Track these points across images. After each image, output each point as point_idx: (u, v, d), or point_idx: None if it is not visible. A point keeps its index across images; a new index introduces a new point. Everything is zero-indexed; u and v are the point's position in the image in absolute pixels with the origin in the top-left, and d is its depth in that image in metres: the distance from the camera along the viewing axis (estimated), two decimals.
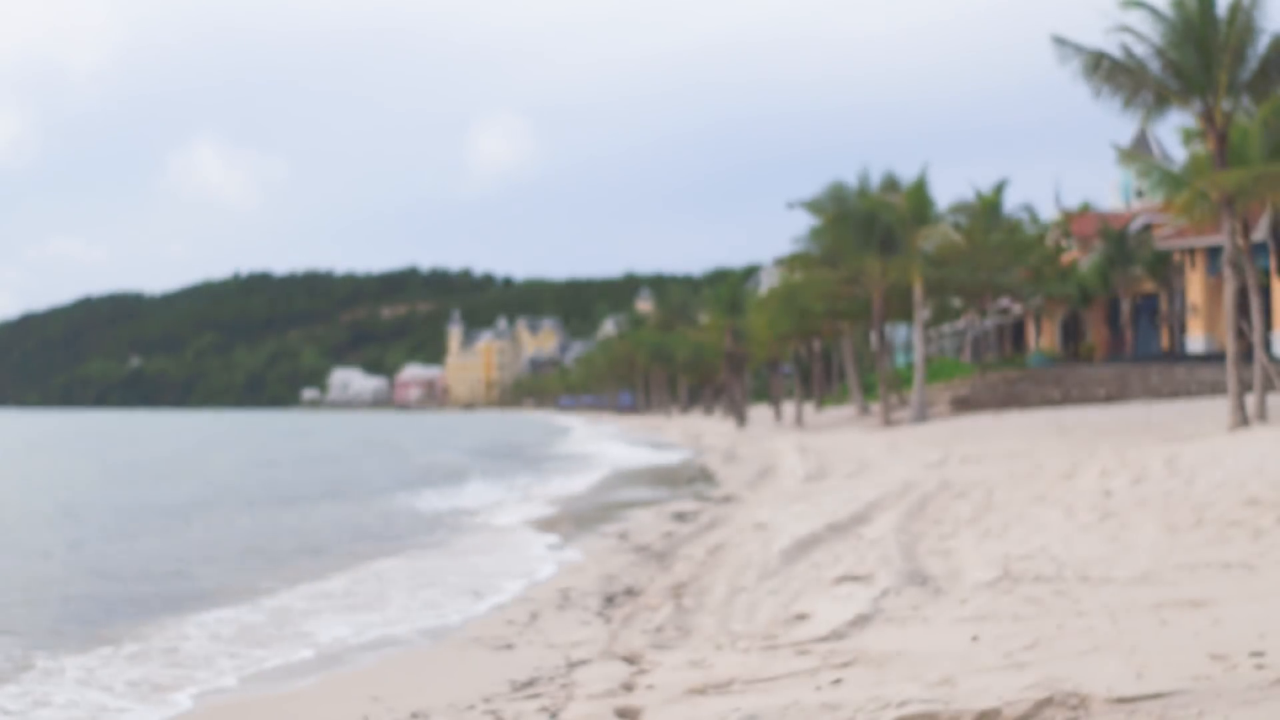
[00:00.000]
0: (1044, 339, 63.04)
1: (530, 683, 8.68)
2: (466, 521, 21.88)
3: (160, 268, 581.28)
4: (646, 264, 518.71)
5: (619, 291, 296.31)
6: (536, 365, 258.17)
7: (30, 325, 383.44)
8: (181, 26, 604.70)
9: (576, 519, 22.03)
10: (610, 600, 12.18)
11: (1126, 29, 24.52)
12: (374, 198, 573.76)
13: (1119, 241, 53.05)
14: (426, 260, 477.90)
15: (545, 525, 21.01)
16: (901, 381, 55.30)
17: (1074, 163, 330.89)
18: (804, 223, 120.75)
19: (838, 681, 7.09)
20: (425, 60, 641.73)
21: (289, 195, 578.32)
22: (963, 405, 44.52)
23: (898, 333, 75.52)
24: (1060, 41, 24.86)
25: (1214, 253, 45.21)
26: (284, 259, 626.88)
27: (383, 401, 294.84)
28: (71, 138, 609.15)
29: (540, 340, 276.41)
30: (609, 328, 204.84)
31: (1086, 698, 5.97)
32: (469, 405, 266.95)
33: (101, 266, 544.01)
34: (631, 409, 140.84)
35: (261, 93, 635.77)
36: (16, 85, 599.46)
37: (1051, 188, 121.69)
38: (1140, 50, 24.67)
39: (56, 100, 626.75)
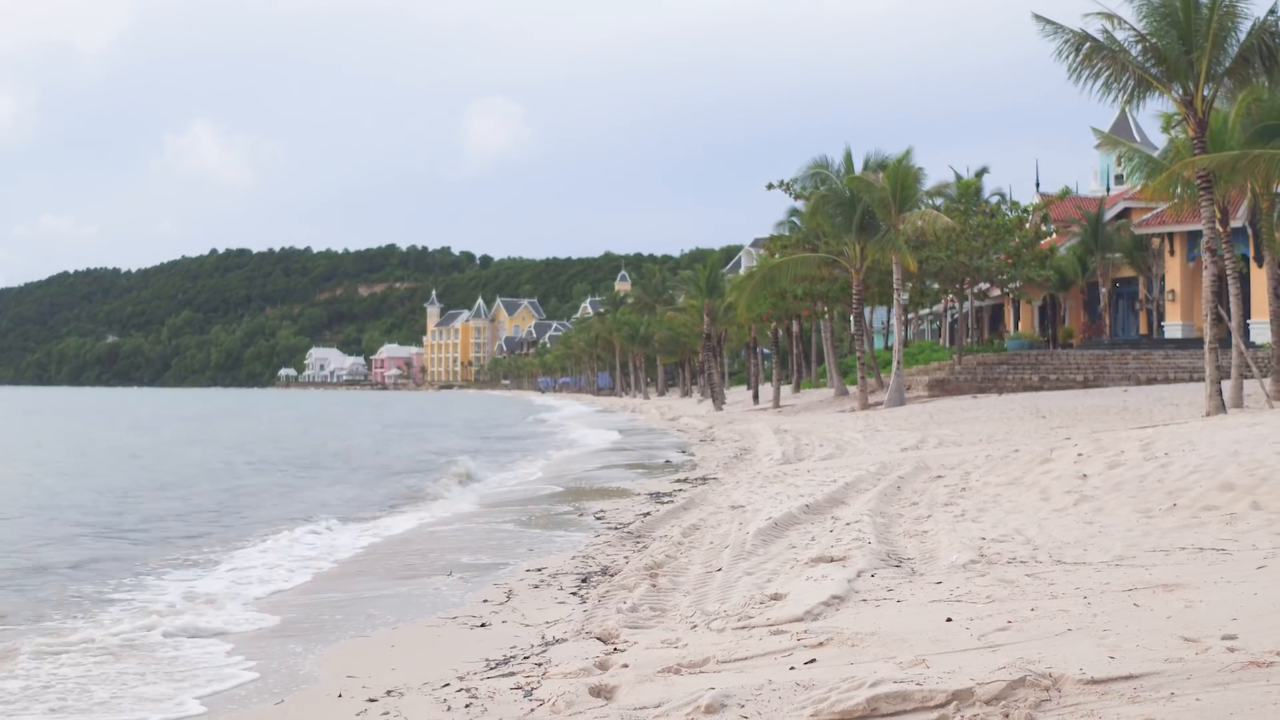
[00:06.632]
0: (1022, 323, 63.24)
1: (505, 660, 8.68)
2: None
3: (150, 246, 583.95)
4: (626, 244, 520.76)
5: (598, 272, 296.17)
6: (513, 345, 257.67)
7: (4, 301, 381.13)
8: (187, 9, 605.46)
9: (552, 500, 22.03)
10: (585, 580, 12.18)
11: (1109, 14, 24.53)
12: (359, 177, 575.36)
13: (1097, 226, 53.15)
14: (405, 239, 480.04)
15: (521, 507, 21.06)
16: (879, 364, 55.44)
17: (1055, 147, 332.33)
18: (785, 204, 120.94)
19: (811, 661, 7.10)
20: (417, 44, 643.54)
21: (281, 175, 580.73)
22: (940, 389, 44.63)
23: (876, 316, 75.72)
24: (1041, 20, 24.85)
25: (1193, 238, 45.42)
26: (271, 237, 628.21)
27: (359, 380, 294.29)
28: (71, 117, 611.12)
29: (518, 320, 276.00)
30: (587, 308, 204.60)
31: (1059, 679, 5.99)
32: (446, 385, 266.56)
33: (91, 244, 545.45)
34: (609, 390, 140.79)
35: (258, 75, 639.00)
36: (21, 64, 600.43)
37: (1031, 172, 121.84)
38: (1122, 35, 24.70)
39: (59, 80, 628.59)
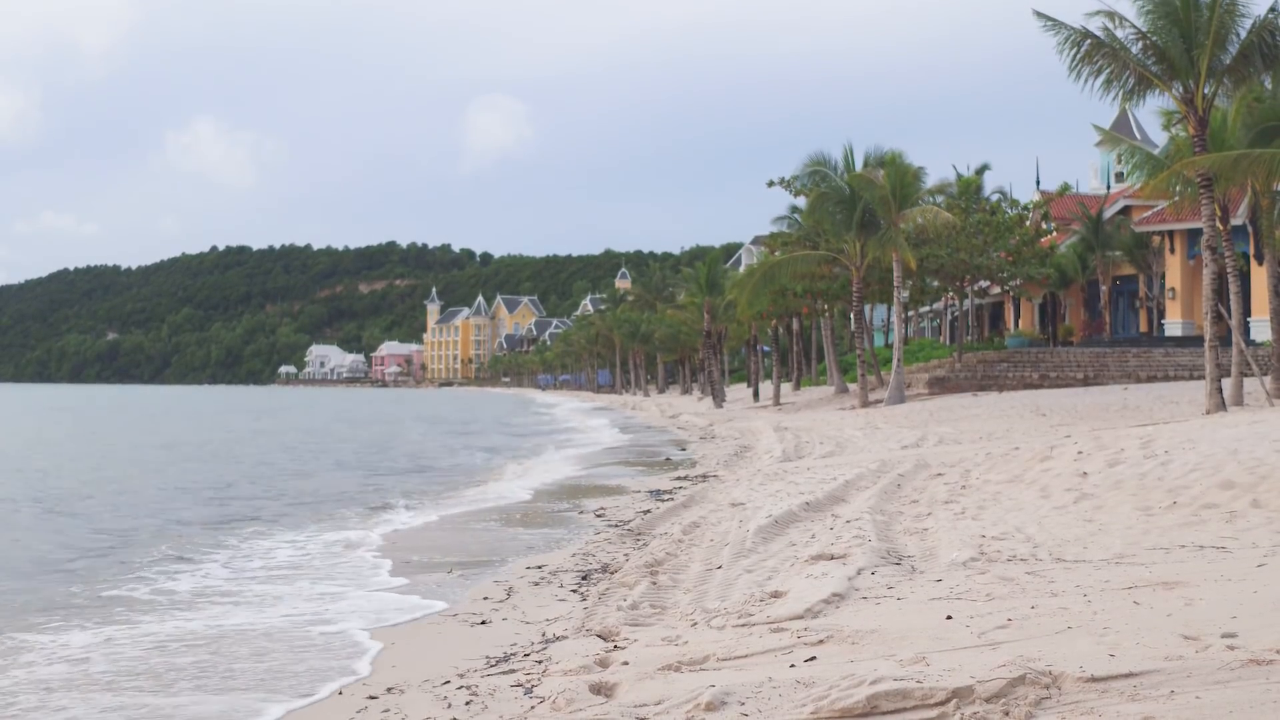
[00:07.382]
0: (1022, 321, 63.24)
1: (506, 658, 8.68)
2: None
3: (151, 243, 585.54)
4: (626, 242, 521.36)
5: (598, 269, 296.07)
6: (514, 343, 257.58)
7: (5, 298, 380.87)
8: (190, 7, 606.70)
9: (551, 498, 22.04)
10: (586, 577, 12.18)
11: (1110, 12, 24.52)
12: (360, 174, 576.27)
13: (1097, 224, 53.13)
14: (405, 236, 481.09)
15: (521, 504, 21.07)
16: (880, 362, 55.44)
17: (1055, 145, 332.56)
18: (785, 201, 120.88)
19: (812, 659, 7.09)
20: (419, 41, 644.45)
21: (281, 172, 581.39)
22: (940, 386, 44.63)
23: (876, 314, 75.71)
24: (1042, 16, 24.84)
25: (1193, 236, 45.39)
26: (271, 234, 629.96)
27: (359, 378, 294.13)
28: (74, 114, 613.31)
29: (518, 318, 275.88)
30: (587, 305, 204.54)
31: (1059, 677, 5.98)
32: (445, 382, 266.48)
33: (91, 241, 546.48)
34: (609, 387, 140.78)
35: (260, 72, 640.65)
36: (25, 63, 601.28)
37: (1032, 169, 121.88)
38: (1122, 32, 24.69)
39: (64, 78, 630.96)
